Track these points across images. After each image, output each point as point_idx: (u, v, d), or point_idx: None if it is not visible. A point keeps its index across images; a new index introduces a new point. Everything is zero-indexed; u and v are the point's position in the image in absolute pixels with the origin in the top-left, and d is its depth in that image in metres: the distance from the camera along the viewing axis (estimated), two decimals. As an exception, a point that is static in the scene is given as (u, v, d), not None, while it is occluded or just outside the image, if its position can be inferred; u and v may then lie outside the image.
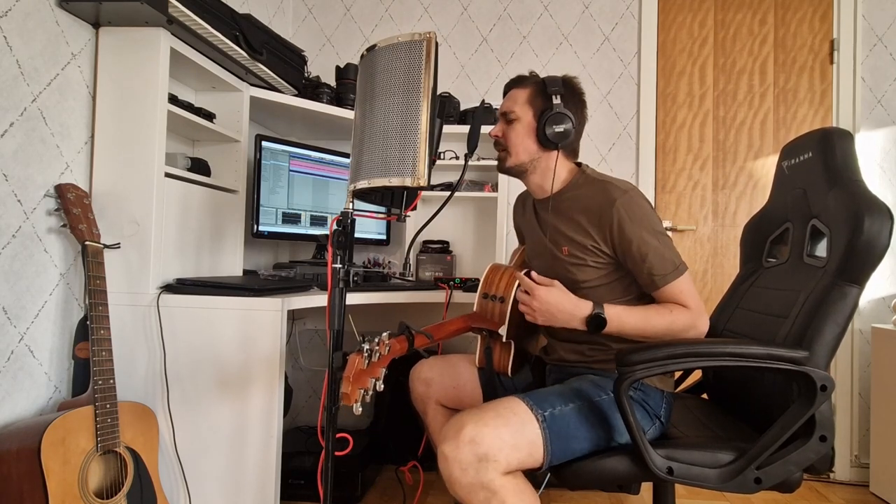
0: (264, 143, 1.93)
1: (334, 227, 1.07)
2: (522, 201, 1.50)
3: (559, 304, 1.17)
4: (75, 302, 1.39)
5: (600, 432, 1.13)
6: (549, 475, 1.15)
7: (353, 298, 1.62)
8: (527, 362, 1.44)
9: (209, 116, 1.68)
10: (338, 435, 1.07)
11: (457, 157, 2.34)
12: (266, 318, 1.39)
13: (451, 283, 1.97)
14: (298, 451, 1.94)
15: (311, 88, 2.06)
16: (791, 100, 2.40)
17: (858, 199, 1.10)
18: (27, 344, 1.27)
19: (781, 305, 1.22)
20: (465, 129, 2.20)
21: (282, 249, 2.40)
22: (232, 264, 1.78)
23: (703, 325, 1.18)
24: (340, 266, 1.06)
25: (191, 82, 1.72)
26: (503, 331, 1.29)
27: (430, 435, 1.46)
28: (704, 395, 1.53)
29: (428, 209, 2.40)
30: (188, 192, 1.55)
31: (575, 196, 1.28)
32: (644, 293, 1.24)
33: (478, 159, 2.30)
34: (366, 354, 0.97)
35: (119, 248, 1.38)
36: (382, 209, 1.22)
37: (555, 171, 1.29)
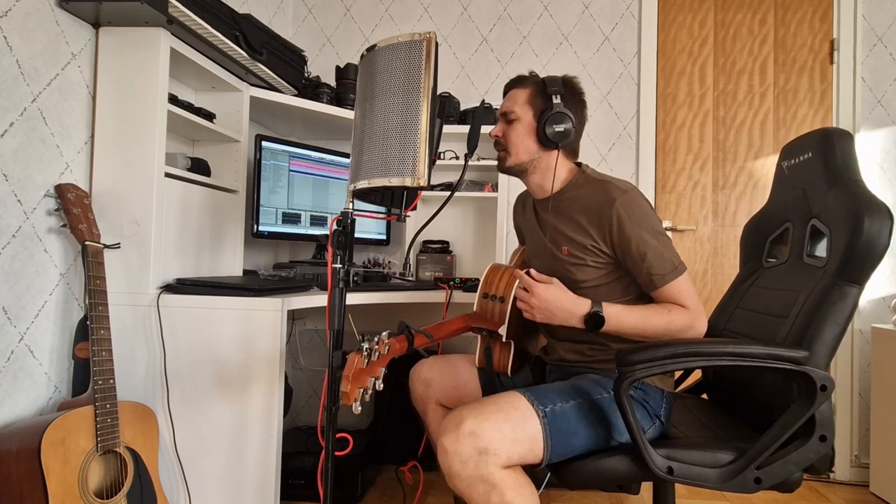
0: (264, 143, 1.93)
1: (334, 227, 1.07)
2: (522, 201, 1.50)
3: (558, 302, 1.17)
4: (75, 302, 1.39)
5: (600, 430, 1.13)
6: (549, 474, 1.15)
7: (353, 298, 1.62)
8: (527, 362, 1.44)
9: (209, 116, 1.68)
10: (338, 435, 1.07)
11: (457, 157, 2.34)
12: (266, 318, 1.39)
13: (451, 283, 1.97)
14: (298, 451, 1.94)
15: (311, 88, 2.06)
16: (791, 100, 2.40)
17: (858, 199, 1.10)
18: (27, 344, 1.27)
19: (781, 305, 1.22)
20: (465, 129, 2.20)
21: (282, 249, 2.40)
22: (232, 264, 1.78)
23: (702, 326, 1.18)
24: (340, 266, 1.06)
25: (191, 82, 1.72)
26: (503, 331, 1.29)
27: (430, 435, 1.46)
28: (704, 395, 1.53)
29: (428, 209, 2.40)
30: (188, 192, 1.55)
31: (575, 196, 1.28)
32: (644, 293, 1.24)
33: (478, 159, 2.30)
34: (365, 353, 0.97)
35: (119, 248, 1.38)
36: (382, 209, 1.22)
37: (555, 171, 1.29)
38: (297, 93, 1.96)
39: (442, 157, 2.33)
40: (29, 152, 1.26)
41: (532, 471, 1.12)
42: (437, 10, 2.55)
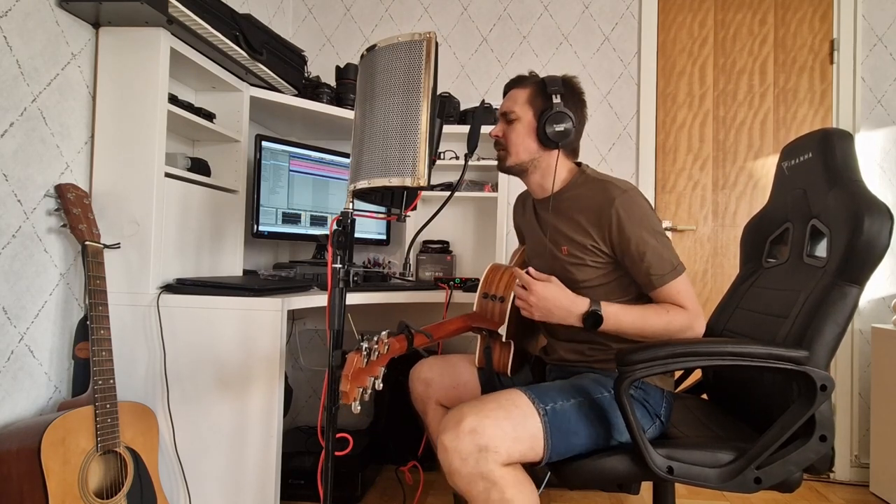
0: (264, 143, 1.93)
1: (334, 227, 1.07)
2: (522, 201, 1.50)
3: (556, 300, 1.17)
4: (75, 302, 1.39)
5: (600, 429, 1.13)
6: (549, 474, 1.15)
7: (353, 298, 1.62)
8: (526, 362, 1.44)
9: (209, 116, 1.68)
10: (338, 435, 1.07)
11: (457, 157, 2.34)
12: (266, 318, 1.39)
13: (451, 283, 1.97)
14: (298, 451, 1.94)
15: (311, 88, 2.06)
16: (791, 100, 2.40)
17: (858, 199, 1.10)
18: (27, 344, 1.27)
19: (781, 305, 1.22)
20: (465, 129, 2.20)
21: (282, 249, 2.40)
22: (232, 264, 1.78)
23: (700, 327, 1.18)
24: (340, 266, 1.06)
25: (191, 82, 1.72)
26: (503, 330, 1.29)
27: (430, 435, 1.46)
28: (704, 396, 1.53)
29: (428, 209, 2.40)
30: (188, 192, 1.55)
31: (575, 195, 1.28)
32: (643, 293, 1.24)
33: (478, 159, 2.30)
34: (364, 353, 0.97)
35: (119, 248, 1.38)
36: (382, 209, 1.22)
37: (555, 171, 1.29)
38: (297, 93, 1.96)
39: (442, 157, 2.33)
40: (29, 152, 1.26)
41: (532, 470, 1.12)
42: (437, 10, 2.55)
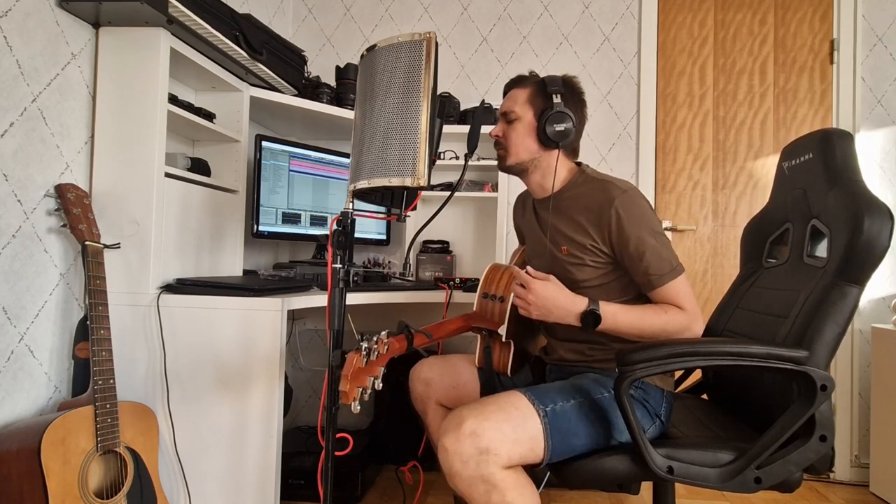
0: (264, 143, 1.93)
1: (334, 227, 1.07)
2: (522, 201, 1.50)
3: (555, 299, 1.17)
4: (75, 302, 1.39)
5: (600, 430, 1.13)
6: (548, 474, 1.15)
7: (353, 298, 1.62)
8: (526, 362, 1.44)
9: (209, 116, 1.68)
10: (338, 435, 1.07)
11: (457, 157, 2.34)
12: (266, 318, 1.39)
13: (451, 283, 1.97)
14: (298, 451, 1.94)
15: (311, 88, 2.06)
16: (791, 100, 2.40)
17: (858, 199, 1.10)
18: (27, 344, 1.27)
19: (781, 305, 1.22)
20: (465, 129, 2.20)
21: (282, 249, 2.40)
22: (232, 264, 1.78)
23: (698, 329, 1.18)
24: (340, 266, 1.06)
25: (191, 82, 1.72)
26: (503, 330, 1.29)
27: (430, 435, 1.46)
28: (704, 396, 1.53)
29: (428, 209, 2.40)
30: (188, 192, 1.55)
31: (575, 195, 1.28)
32: (643, 294, 1.24)
33: (478, 159, 2.30)
34: (364, 353, 0.97)
35: (119, 248, 1.38)
36: (382, 209, 1.22)
37: (555, 171, 1.29)
38: (297, 93, 1.96)
39: (442, 157, 2.33)
40: (29, 152, 1.26)
41: (532, 470, 1.12)
42: (437, 10, 2.55)
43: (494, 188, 2.28)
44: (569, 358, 1.32)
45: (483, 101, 2.29)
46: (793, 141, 1.37)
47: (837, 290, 1.08)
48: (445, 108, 2.23)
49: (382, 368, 1.03)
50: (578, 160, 1.36)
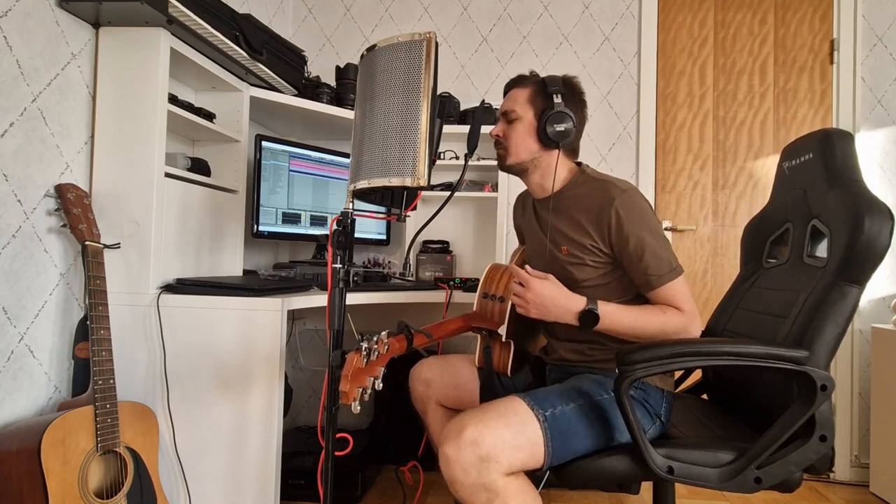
0: (264, 143, 1.93)
1: (334, 227, 1.07)
2: (522, 201, 1.50)
3: (553, 297, 1.16)
4: (75, 302, 1.39)
5: (601, 431, 1.13)
6: (548, 474, 1.15)
7: (353, 298, 1.62)
8: (526, 362, 1.44)
9: (209, 116, 1.68)
10: (338, 435, 1.07)
11: (457, 157, 2.34)
12: (266, 318, 1.39)
13: (451, 283, 1.97)
14: (298, 451, 1.94)
15: (311, 88, 2.06)
16: (791, 100, 2.40)
17: (858, 199, 1.10)
18: (27, 344, 1.27)
19: (781, 305, 1.22)
20: (465, 129, 2.20)
21: (282, 249, 2.40)
22: (232, 264, 1.78)
23: (696, 330, 1.17)
24: (340, 266, 1.06)
25: (191, 82, 1.72)
26: (503, 330, 1.29)
27: (430, 435, 1.46)
28: (704, 396, 1.53)
29: (428, 209, 2.40)
30: (188, 192, 1.55)
31: (575, 195, 1.28)
32: (642, 294, 1.24)
33: (478, 159, 2.30)
34: (364, 353, 0.97)
35: (119, 248, 1.38)
36: (382, 209, 1.22)
37: (555, 171, 1.29)
38: (297, 93, 1.96)
39: (442, 157, 2.33)
40: (29, 152, 1.26)
41: (531, 471, 1.12)
42: (437, 10, 2.55)
43: (494, 188, 2.28)
44: (569, 358, 1.32)
45: (483, 101, 2.29)
46: (793, 141, 1.37)
47: (837, 290, 1.08)
48: (445, 108, 2.23)
49: (382, 368, 1.03)
50: (578, 160, 1.36)
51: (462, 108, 2.34)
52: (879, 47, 2.31)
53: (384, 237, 2.38)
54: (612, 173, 1.48)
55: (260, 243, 2.21)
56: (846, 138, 1.21)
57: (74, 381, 1.36)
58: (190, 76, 1.66)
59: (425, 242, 2.39)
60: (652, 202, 2.43)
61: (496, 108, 2.23)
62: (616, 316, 1.16)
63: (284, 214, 2.02)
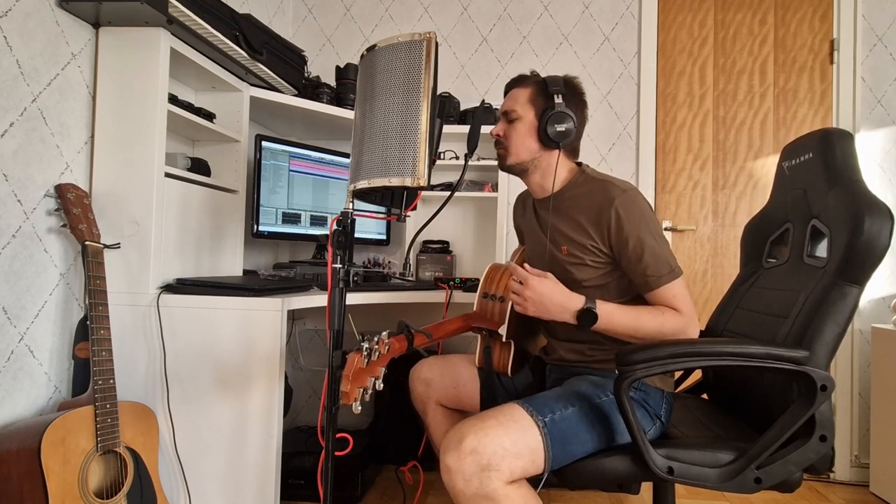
0: (264, 143, 1.93)
1: (334, 227, 1.07)
2: (522, 201, 1.50)
3: (551, 295, 1.16)
4: (75, 302, 1.39)
5: (601, 434, 1.13)
6: (547, 474, 1.15)
7: (353, 298, 1.62)
8: (526, 362, 1.44)
9: (209, 116, 1.68)
10: (338, 435, 1.07)
11: (457, 157, 2.34)
12: (266, 318, 1.39)
13: (451, 283, 1.97)
14: (298, 451, 1.94)
15: (311, 88, 2.06)
16: (791, 100, 2.40)
17: (858, 199, 1.10)
18: (27, 344, 1.27)
19: (781, 305, 1.22)
20: (465, 129, 2.20)
21: (282, 249, 2.40)
22: (232, 264, 1.78)
23: (693, 332, 1.17)
24: (340, 266, 1.06)
25: (191, 82, 1.72)
26: (503, 330, 1.28)
27: (430, 435, 1.46)
28: (704, 395, 1.53)
29: (428, 209, 2.40)
30: (188, 192, 1.55)
31: (575, 195, 1.28)
32: (641, 295, 1.24)
33: (478, 159, 2.30)
34: (365, 353, 0.97)
35: (119, 248, 1.38)
36: (382, 209, 1.22)
37: (555, 171, 1.29)
38: (297, 93, 1.96)
39: (442, 157, 2.33)
40: (29, 152, 1.26)
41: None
42: (437, 10, 2.55)
43: (494, 188, 2.28)
44: (569, 358, 1.32)
45: (483, 101, 2.29)
46: (793, 140, 1.37)
47: (837, 290, 1.08)
48: (445, 108, 2.23)
49: (383, 369, 1.03)
50: (579, 160, 1.36)
51: (462, 108, 2.34)
52: (879, 47, 2.31)
53: (384, 237, 2.38)
54: (612, 173, 1.48)
55: (260, 243, 2.21)
56: (846, 138, 1.21)
57: (74, 381, 1.36)
58: (190, 76, 1.66)
59: (425, 242, 2.39)
60: (652, 202, 2.43)
61: (496, 108, 2.23)
62: (614, 315, 1.15)
63: (284, 214, 2.02)
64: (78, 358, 1.34)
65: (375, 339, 1.01)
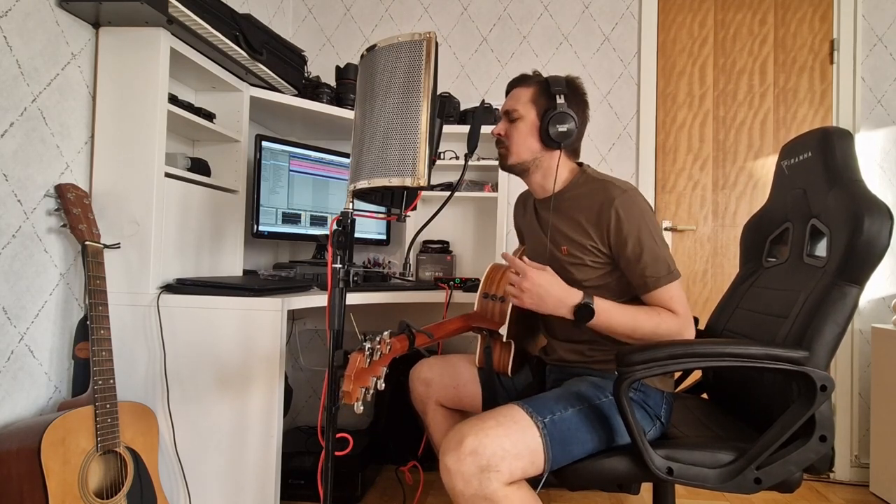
0: (264, 143, 1.93)
1: (334, 227, 1.07)
2: (523, 201, 1.50)
3: (549, 288, 1.15)
4: (75, 302, 1.39)
5: (601, 434, 1.13)
6: (547, 474, 1.15)
7: (353, 298, 1.62)
8: (526, 362, 1.44)
9: (209, 116, 1.68)
10: (338, 435, 1.07)
11: (457, 157, 2.34)
12: (266, 318, 1.39)
13: (451, 283, 1.97)
14: (298, 451, 1.94)
15: (311, 88, 2.06)
16: (791, 100, 2.40)
17: (858, 199, 1.10)
18: (27, 344, 1.27)
19: (781, 305, 1.22)
20: (465, 129, 2.20)
21: (282, 249, 2.40)
22: (232, 264, 1.78)
23: (689, 335, 1.17)
24: (340, 266, 1.06)
25: (191, 82, 1.72)
26: (503, 330, 1.28)
27: (430, 435, 1.46)
28: (704, 395, 1.53)
29: (428, 209, 2.40)
30: (188, 192, 1.55)
31: (576, 195, 1.28)
32: (639, 298, 1.23)
33: (478, 159, 2.30)
34: (367, 353, 0.97)
35: (119, 248, 1.38)
36: (382, 209, 1.22)
37: (556, 171, 1.29)
38: (297, 93, 1.96)
39: (442, 157, 2.33)
40: (29, 152, 1.26)
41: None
42: (437, 10, 2.55)
43: (494, 188, 2.28)
44: (568, 359, 1.32)
45: (483, 101, 2.29)
46: (792, 139, 1.37)
47: (837, 289, 1.08)
48: (445, 108, 2.22)
49: (385, 368, 1.03)
50: (580, 160, 1.36)
51: (462, 108, 2.34)
52: (879, 47, 2.31)
53: (384, 237, 2.38)
54: (612, 173, 1.48)
55: (260, 243, 2.21)
56: (846, 137, 1.21)
57: (74, 381, 1.35)
58: (190, 76, 1.66)
59: (425, 242, 2.39)
60: (652, 202, 2.43)
61: (496, 108, 2.23)
62: (611, 313, 1.15)
63: (284, 214, 2.02)
64: (78, 358, 1.34)
65: (377, 338, 1.01)
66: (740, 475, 1.05)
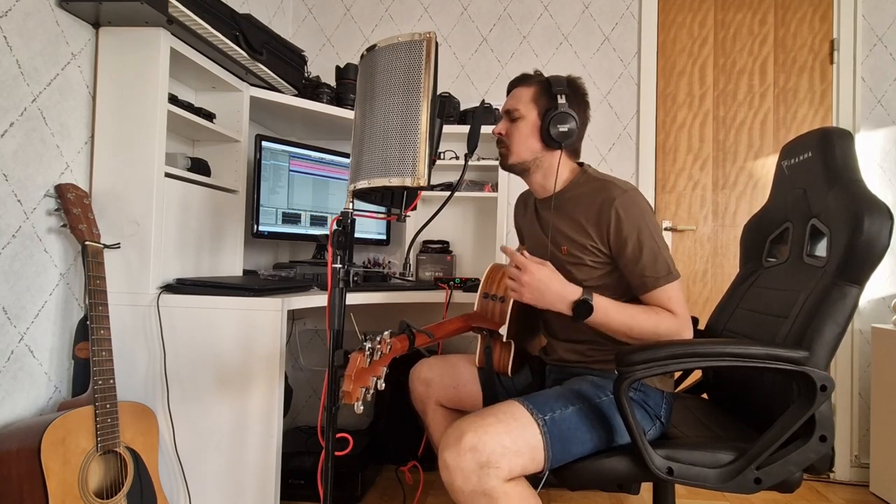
0: (264, 143, 1.93)
1: (334, 227, 1.07)
2: (524, 201, 1.50)
3: (549, 282, 1.15)
4: (75, 302, 1.39)
5: (601, 434, 1.13)
6: (547, 474, 1.15)
7: (353, 298, 1.62)
8: (526, 362, 1.44)
9: (209, 116, 1.68)
10: (338, 435, 1.07)
11: (457, 157, 2.34)
12: (266, 318, 1.39)
13: (451, 283, 1.97)
14: (298, 451, 1.94)
15: (311, 88, 2.06)
16: (791, 100, 2.40)
17: (858, 199, 1.10)
18: (27, 344, 1.27)
19: (781, 305, 1.22)
20: (465, 129, 2.20)
21: (282, 249, 2.40)
22: (232, 264, 1.78)
23: (687, 335, 1.17)
24: (340, 266, 1.06)
25: (191, 82, 1.72)
26: (503, 330, 1.29)
27: (430, 435, 1.46)
28: (704, 395, 1.53)
29: (428, 209, 2.40)
30: (188, 192, 1.55)
31: (576, 195, 1.28)
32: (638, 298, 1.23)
33: (478, 159, 2.30)
34: (367, 353, 0.97)
35: (119, 248, 1.38)
36: (382, 209, 1.22)
37: (557, 171, 1.29)
38: (297, 93, 1.96)
39: (442, 157, 2.33)
40: (29, 152, 1.26)
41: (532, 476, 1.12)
42: (437, 10, 2.55)
43: (494, 188, 2.28)
44: (569, 359, 1.32)
45: (483, 101, 2.29)
46: (792, 139, 1.37)
47: (837, 289, 1.08)
48: (445, 108, 2.22)
49: (385, 368, 1.03)
50: (580, 160, 1.36)
51: (462, 108, 2.34)
52: (879, 47, 2.31)
53: (384, 237, 2.38)
54: (612, 173, 1.48)
55: (260, 243, 2.21)
56: (846, 137, 1.21)
57: (74, 381, 1.35)
58: (190, 76, 1.66)
59: (425, 242, 2.39)
60: (652, 202, 2.43)
61: (496, 108, 2.23)
62: (610, 311, 1.15)
63: (284, 214, 2.02)
64: (78, 358, 1.34)
65: (377, 338, 1.01)
66: (740, 475, 1.05)
